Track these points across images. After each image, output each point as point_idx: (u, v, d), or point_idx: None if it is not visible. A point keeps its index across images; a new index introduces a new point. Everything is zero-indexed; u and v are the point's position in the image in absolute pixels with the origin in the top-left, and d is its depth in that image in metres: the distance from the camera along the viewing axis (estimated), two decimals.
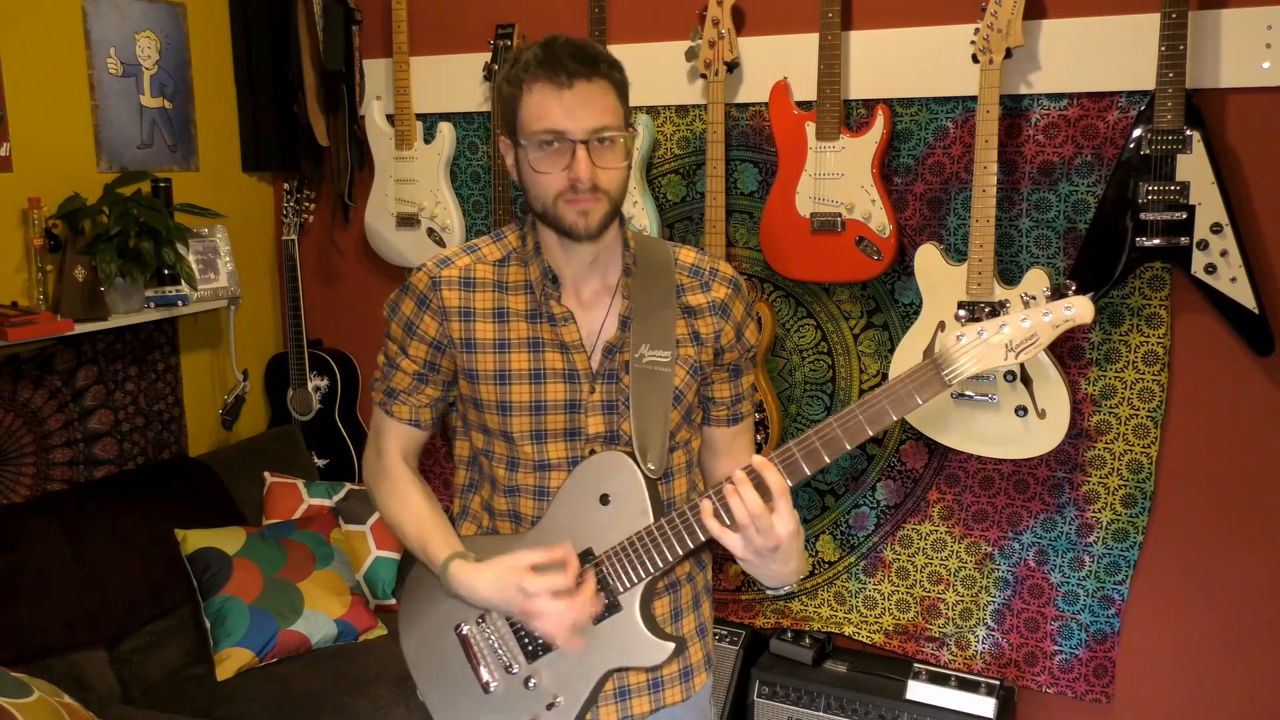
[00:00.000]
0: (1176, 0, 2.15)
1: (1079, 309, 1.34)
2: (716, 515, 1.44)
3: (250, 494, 3.06)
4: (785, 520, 1.40)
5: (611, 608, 1.53)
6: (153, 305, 2.89)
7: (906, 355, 2.50)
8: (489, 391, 1.57)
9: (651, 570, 1.51)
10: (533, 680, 1.57)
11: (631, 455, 1.53)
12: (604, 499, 1.53)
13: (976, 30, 2.32)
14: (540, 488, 1.58)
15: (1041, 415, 2.38)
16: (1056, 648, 2.60)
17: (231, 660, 2.64)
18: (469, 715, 1.61)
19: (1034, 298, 1.35)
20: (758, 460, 1.42)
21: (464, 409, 1.64)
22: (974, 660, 2.67)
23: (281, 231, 3.36)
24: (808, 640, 2.73)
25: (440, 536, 1.58)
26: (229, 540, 2.80)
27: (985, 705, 2.48)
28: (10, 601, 2.46)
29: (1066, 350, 2.49)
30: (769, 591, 1.54)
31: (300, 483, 3.09)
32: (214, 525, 2.87)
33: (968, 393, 2.43)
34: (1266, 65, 2.23)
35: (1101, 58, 2.36)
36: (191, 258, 2.99)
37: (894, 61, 2.54)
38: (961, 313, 1.39)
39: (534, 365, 1.55)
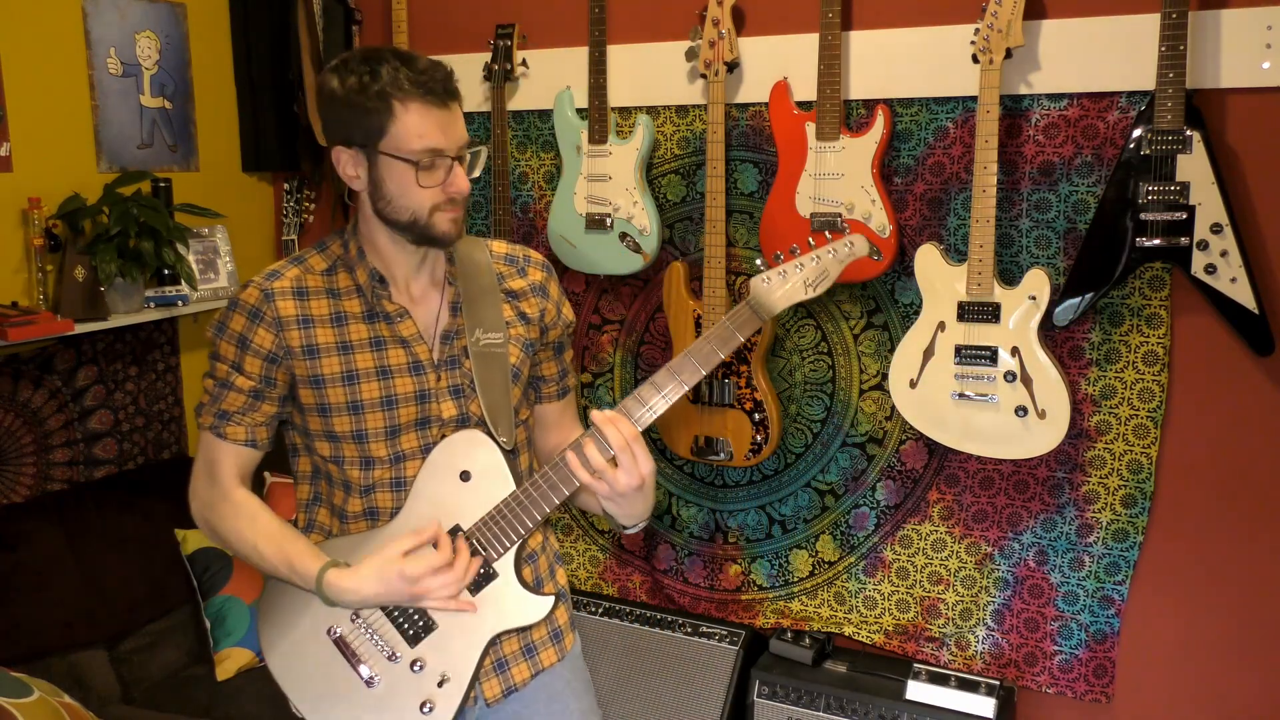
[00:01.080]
0: (1176, 0, 2.15)
1: (857, 244, 1.65)
2: (585, 464, 1.55)
3: None
4: (645, 460, 1.55)
5: (488, 576, 1.60)
6: (153, 305, 2.89)
7: (906, 355, 2.50)
8: (337, 394, 1.59)
9: (522, 533, 1.60)
10: (419, 663, 1.59)
11: (486, 430, 1.62)
12: (464, 475, 1.61)
13: (976, 30, 2.32)
14: (397, 479, 1.63)
15: (1041, 415, 2.38)
16: (1056, 648, 2.60)
17: (232, 660, 2.64)
18: (357, 713, 1.60)
19: (850, 244, 1.65)
20: (609, 413, 1.55)
21: (304, 421, 1.64)
22: (974, 660, 2.67)
23: (281, 231, 3.36)
24: (808, 640, 2.73)
25: (304, 549, 1.57)
26: None
27: (985, 705, 2.48)
28: (10, 601, 2.46)
29: (1067, 350, 2.49)
30: (626, 529, 1.66)
31: None
32: None
33: (967, 393, 2.43)
34: (1266, 65, 2.23)
35: (1101, 58, 2.36)
36: (191, 258, 2.99)
37: (894, 61, 2.54)
38: (759, 262, 1.67)
39: (379, 362, 1.61)
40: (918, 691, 2.54)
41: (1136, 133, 2.26)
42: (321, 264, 1.64)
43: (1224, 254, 2.21)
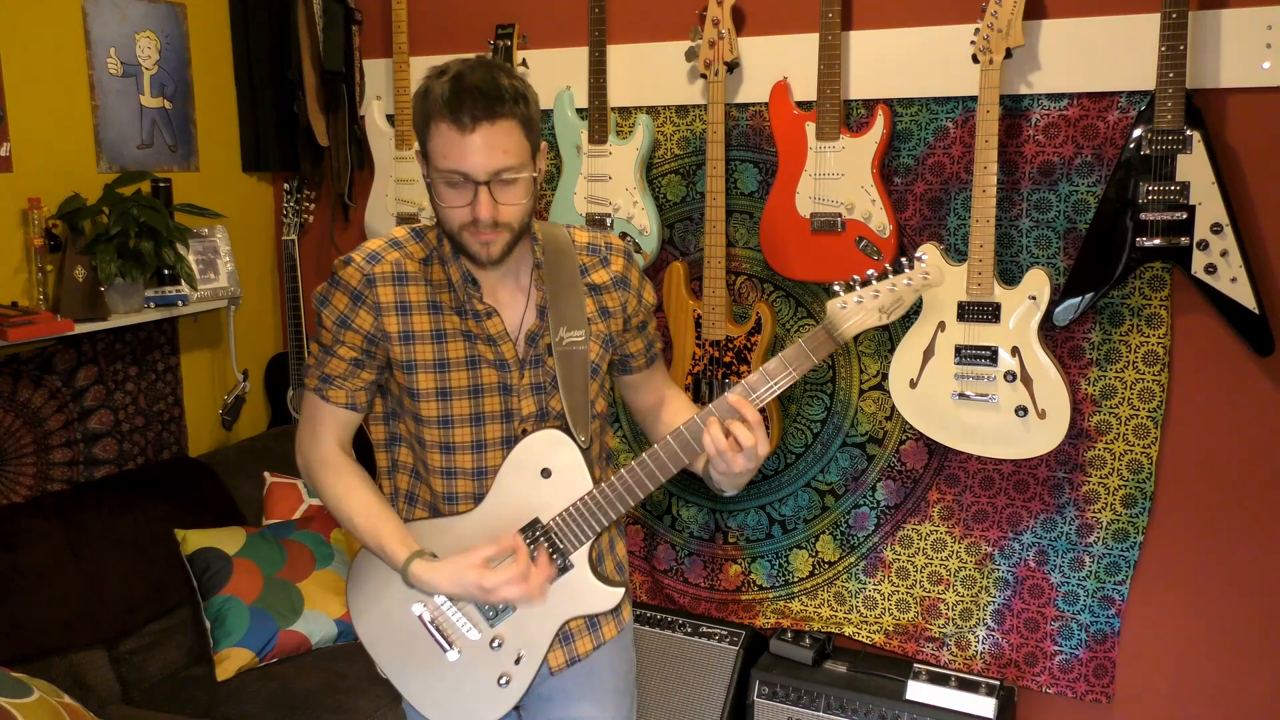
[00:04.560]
0: (1176, 0, 2.15)
1: (933, 274, 1.63)
2: (713, 441, 1.60)
3: (250, 494, 3.06)
4: (764, 443, 1.61)
5: (564, 568, 1.70)
6: (153, 305, 2.89)
7: (906, 355, 2.50)
8: (427, 380, 1.67)
9: (597, 529, 1.69)
10: (497, 640, 1.71)
11: (566, 430, 1.69)
12: (545, 472, 1.69)
13: (976, 30, 2.32)
14: (479, 468, 1.71)
15: (1041, 415, 2.38)
16: (1056, 648, 2.60)
17: (231, 660, 2.64)
18: (440, 684, 1.72)
19: (906, 267, 1.63)
20: (734, 398, 1.60)
21: (398, 394, 1.73)
22: (974, 660, 2.67)
23: (281, 231, 3.37)
24: (808, 640, 2.73)
25: (394, 532, 1.67)
26: (229, 540, 2.80)
27: (985, 705, 2.48)
28: (10, 601, 2.46)
29: (1067, 350, 2.49)
30: (725, 493, 1.73)
31: (300, 483, 3.09)
32: (214, 525, 2.87)
33: (968, 393, 2.43)
34: (1266, 65, 2.23)
35: (1101, 58, 2.36)
36: (191, 258, 2.99)
37: (894, 61, 2.54)
38: (837, 286, 1.63)
39: (469, 353, 1.68)
40: (918, 691, 2.54)
41: (1136, 133, 2.26)
42: (420, 252, 1.68)
43: (1224, 254, 2.21)
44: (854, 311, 1.61)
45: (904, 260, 1.63)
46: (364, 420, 1.78)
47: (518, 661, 1.71)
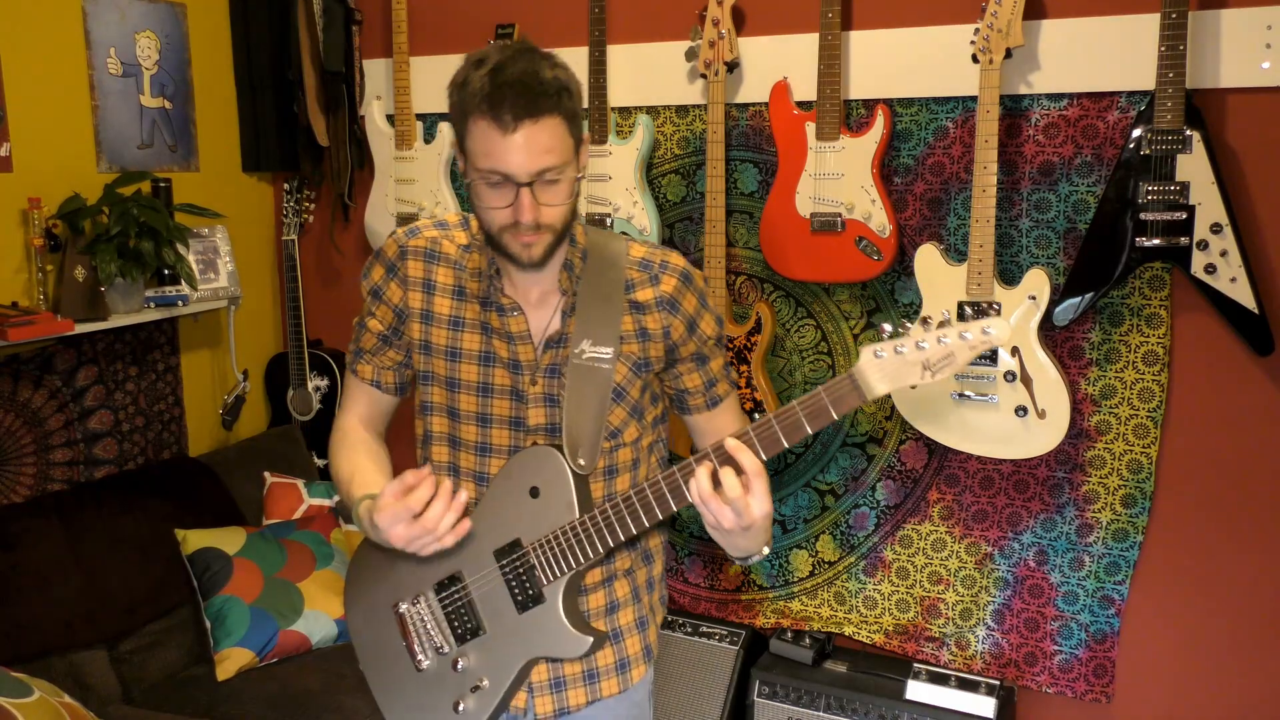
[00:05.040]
0: (1176, 0, 2.15)
1: (998, 332, 1.34)
2: (698, 486, 1.43)
3: (250, 494, 3.06)
4: (761, 501, 1.42)
5: (535, 599, 1.58)
6: (153, 305, 2.89)
7: None
8: (440, 365, 1.63)
9: (576, 564, 1.55)
10: (460, 663, 1.62)
11: (561, 450, 1.57)
12: (534, 491, 1.58)
13: (976, 30, 2.32)
14: (480, 473, 1.64)
15: (1041, 415, 2.38)
16: (1056, 648, 2.60)
17: (231, 660, 2.64)
18: (403, 691, 1.66)
19: (947, 321, 1.37)
20: (731, 443, 1.42)
21: (420, 384, 1.69)
22: (974, 660, 2.67)
23: (281, 231, 3.37)
24: (808, 640, 2.73)
25: (364, 480, 1.60)
26: (229, 540, 2.80)
27: (985, 705, 2.48)
28: (10, 601, 2.47)
29: (1067, 350, 2.49)
30: (736, 560, 1.56)
31: (300, 483, 3.09)
32: (214, 525, 2.87)
33: (968, 393, 2.43)
34: (1266, 65, 2.23)
35: (1101, 58, 2.36)
36: (191, 258, 3.00)
37: (894, 61, 2.54)
38: (887, 326, 1.40)
39: (484, 348, 1.61)
40: (918, 691, 2.54)
41: (1136, 133, 2.26)
42: (462, 239, 1.63)
43: (1224, 254, 2.21)
44: (891, 363, 1.36)
45: (969, 311, 1.37)
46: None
47: (475, 689, 1.60)
